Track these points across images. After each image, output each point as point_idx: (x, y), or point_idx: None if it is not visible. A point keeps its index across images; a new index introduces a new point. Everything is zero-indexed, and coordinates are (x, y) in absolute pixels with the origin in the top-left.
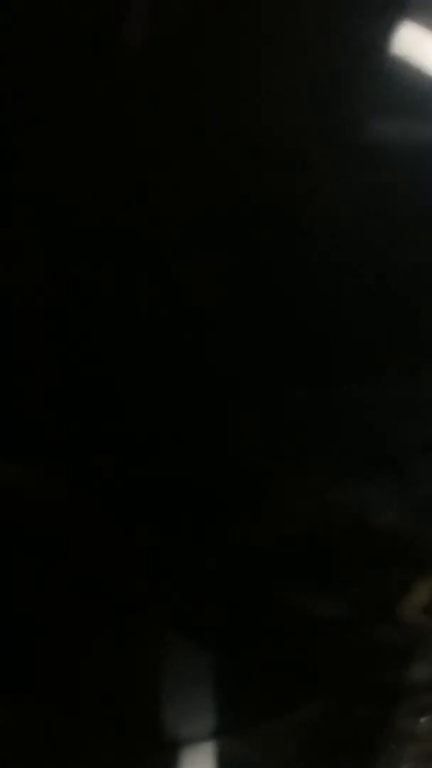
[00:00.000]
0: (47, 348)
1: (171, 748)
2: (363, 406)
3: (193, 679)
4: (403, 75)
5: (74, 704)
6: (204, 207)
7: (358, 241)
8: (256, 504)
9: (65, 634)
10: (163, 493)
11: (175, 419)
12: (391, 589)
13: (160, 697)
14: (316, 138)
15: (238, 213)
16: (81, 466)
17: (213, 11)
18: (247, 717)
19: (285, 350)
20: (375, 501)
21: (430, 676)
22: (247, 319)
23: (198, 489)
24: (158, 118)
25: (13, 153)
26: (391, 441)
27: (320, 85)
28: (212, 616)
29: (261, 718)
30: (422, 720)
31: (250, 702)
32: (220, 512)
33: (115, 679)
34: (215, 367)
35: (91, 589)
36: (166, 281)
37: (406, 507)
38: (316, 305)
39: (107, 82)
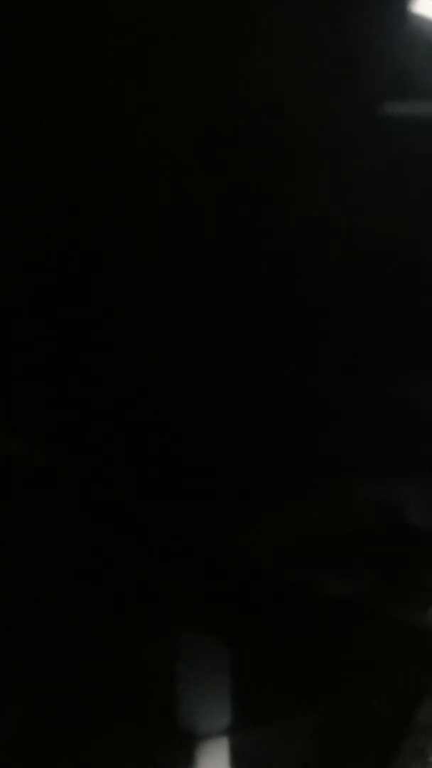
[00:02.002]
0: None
1: (186, 742)
2: (398, 404)
3: (210, 674)
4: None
5: (92, 698)
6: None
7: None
8: (280, 496)
9: (85, 627)
10: (193, 481)
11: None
12: (417, 578)
13: (176, 692)
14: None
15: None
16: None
17: None
18: (263, 712)
19: (324, 346)
20: (406, 498)
21: None
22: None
23: (226, 477)
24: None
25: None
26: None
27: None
28: (230, 609)
29: (277, 714)
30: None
31: (266, 697)
32: (243, 503)
33: (132, 673)
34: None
35: (111, 582)
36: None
37: None
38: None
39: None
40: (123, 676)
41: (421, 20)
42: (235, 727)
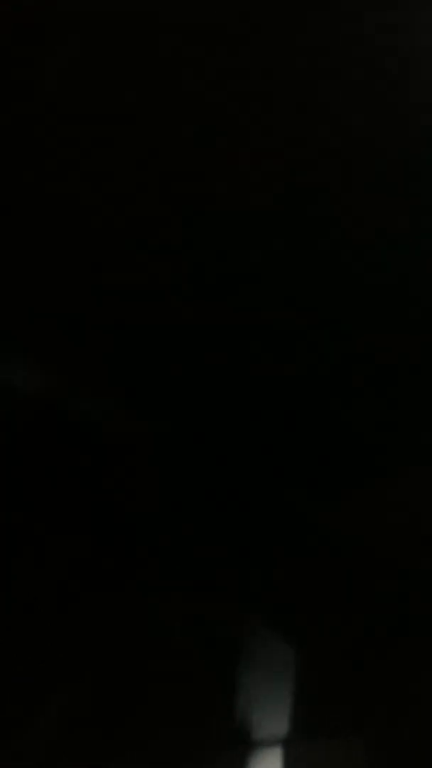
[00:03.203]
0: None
1: (241, 748)
2: None
3: (271, 679)
4: None
5: (146, 698)
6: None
7: None
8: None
9: (139, 626)
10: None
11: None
12: None
13: (235, 696)
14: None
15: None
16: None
17: None
18: (322, 723)
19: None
20: None
21: None
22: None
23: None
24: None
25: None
26: None
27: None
28: (300, 608)
29: (336, 726)
30: None
31: (328, 708)
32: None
33: (193, 674)
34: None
35: (168, 574)
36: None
37: None
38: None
39: None
40: (179, 675)
41: None
42: (291, 735)
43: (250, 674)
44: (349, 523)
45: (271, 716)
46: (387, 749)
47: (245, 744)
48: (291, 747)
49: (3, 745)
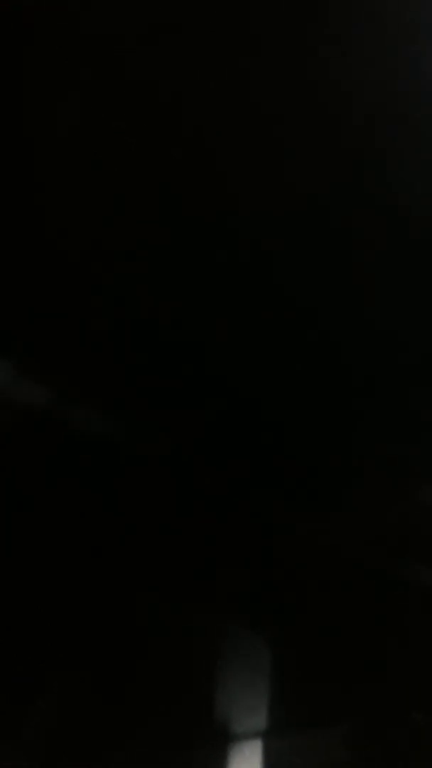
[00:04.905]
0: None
1: (222, 743)
2: None
3: (250, 675)
4: None
5: (129, 695)
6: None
7: None
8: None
9: (124, 625)
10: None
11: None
12: None
13: (214, 692)
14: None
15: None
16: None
17: None
18: (302, 718)
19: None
20: None
21: None
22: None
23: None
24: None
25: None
26: None
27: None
28: (276, 609)
29: (315, 721)
30: None
31: (306, 703)
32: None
33: (172, 671)
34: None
35: (158, 578)
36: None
37: None
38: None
39: None
40: (160, 674)
41: None
42: (271, 730)
43: (231, 672)
44: (324, 533)
45: (252, 712)
46: (365, 740)
47: (227, 739)
48: (271, 741)
49: None
